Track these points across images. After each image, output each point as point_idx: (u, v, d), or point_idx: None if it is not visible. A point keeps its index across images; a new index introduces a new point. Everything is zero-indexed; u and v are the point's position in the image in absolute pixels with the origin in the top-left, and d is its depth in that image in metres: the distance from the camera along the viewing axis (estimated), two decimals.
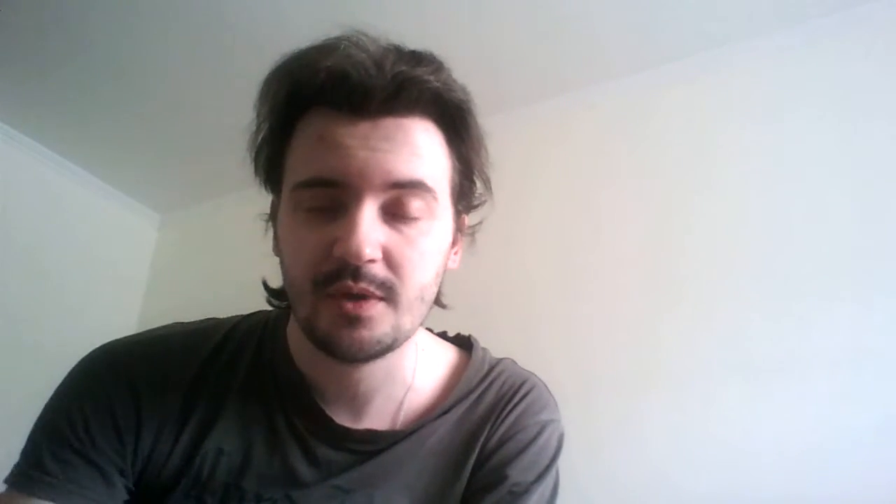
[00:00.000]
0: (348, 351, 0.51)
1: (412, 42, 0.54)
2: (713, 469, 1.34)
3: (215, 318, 0.66)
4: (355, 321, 0.50)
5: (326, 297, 0.50)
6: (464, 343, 0.69)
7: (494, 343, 0.70)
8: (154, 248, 2.58)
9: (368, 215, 0.49)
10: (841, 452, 1.24)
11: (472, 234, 0.65)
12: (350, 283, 0.49)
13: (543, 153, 1.85)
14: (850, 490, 1.20)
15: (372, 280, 0.49)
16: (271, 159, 0.56)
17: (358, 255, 0.48)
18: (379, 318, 0.51)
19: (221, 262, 2.27)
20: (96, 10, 1.65)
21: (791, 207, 1.47)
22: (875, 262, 1.35)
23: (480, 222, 0.65)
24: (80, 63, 1.83)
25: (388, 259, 0.50)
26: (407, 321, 0.53)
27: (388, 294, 0.51)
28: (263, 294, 0.62)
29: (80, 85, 1.91)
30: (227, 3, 1.63)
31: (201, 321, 0.65)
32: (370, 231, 0.49)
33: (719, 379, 1.40)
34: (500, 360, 0.67)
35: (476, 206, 0.63)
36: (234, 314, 0.66)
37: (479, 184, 0.61)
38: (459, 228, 0.61)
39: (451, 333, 0.71)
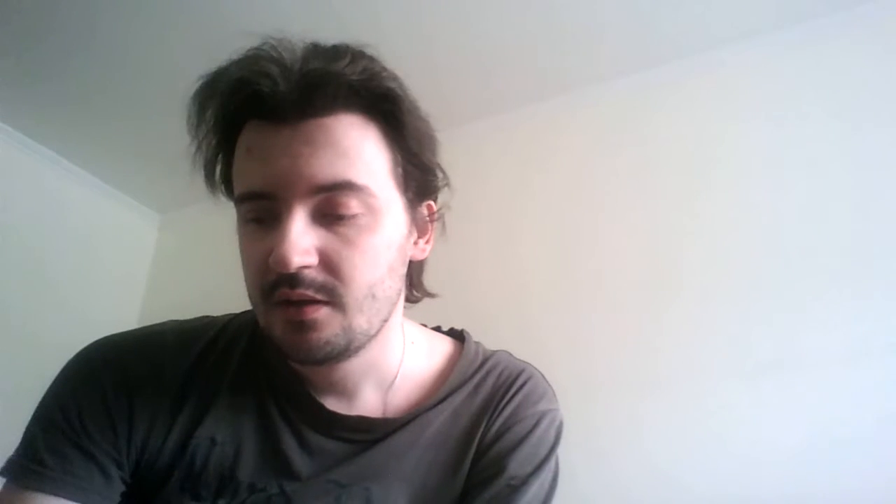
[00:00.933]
0: (301, 354, 0.52)
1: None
2: (714, 469, 1.34)
3: (209, 315, 0.66)
4: (300, 326, 0.51)
5: (273, 305, 0.51)
6: (456, 336, 0.69)
7: (494, 345, 0.69)
8: (154, 248, 2.58)
9: (297, 223, 0.49)
10: (841, 452, 1.24)
11: (441, 219, 0.63)
12: (287, 290, 0.50)
13: (543, 153, 1.84)
14: (850, 490, 1.20)
15: (310, 285, 0.50)
16: (224, 175, 0.57)
17: (285, 264, 0.48)
18: (325, 321, 0.51)
19: (221, 261, 2.25)
20: (97, 10, 1.65)
21: (791, 207, 1.47)
22: (874, 262, 1.35)
23: (442, 207, 0.63)
24: (80, 63, 1.83)
25: (326, 262, 0.50)
26: (361, 321, 0.53)
27: (331, 297, 0.51)
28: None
29: (80, 85, 1.91)
30: (228, 3, 1.63)
31: (196, 318, 0.66)
32: (298, 239, 0.49)
33: (719, 379, 1.40)
34: (494, 352, 0.67)
35: (437, 192, 0.61)
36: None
37: (436, 169, 0.59)
38: (423, 217, 0.60)
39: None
